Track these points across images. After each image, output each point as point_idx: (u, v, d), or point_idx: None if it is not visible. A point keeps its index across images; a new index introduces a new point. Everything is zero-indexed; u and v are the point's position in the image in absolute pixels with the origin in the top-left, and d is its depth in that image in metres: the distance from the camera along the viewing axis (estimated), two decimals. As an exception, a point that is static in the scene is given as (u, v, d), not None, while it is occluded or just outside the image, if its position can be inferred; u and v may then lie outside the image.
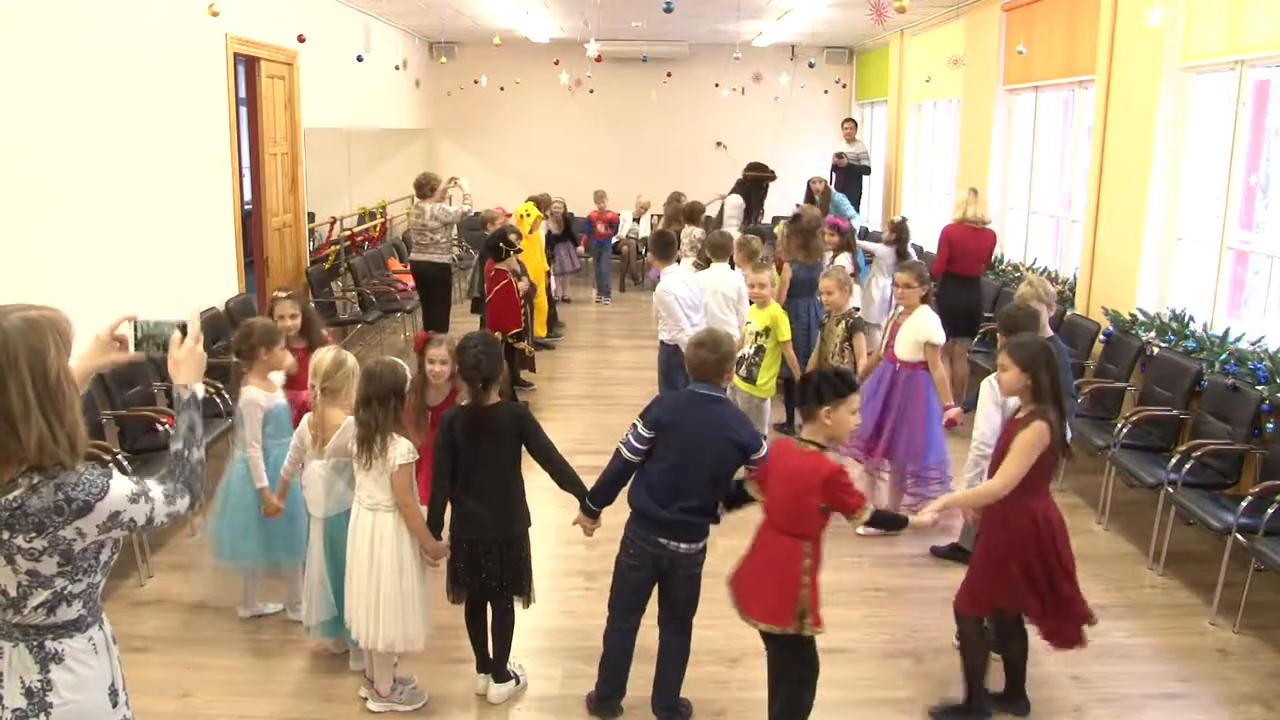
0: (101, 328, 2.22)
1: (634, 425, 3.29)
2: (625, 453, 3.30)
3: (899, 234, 7.33)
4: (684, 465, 3.20)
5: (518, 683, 3.69)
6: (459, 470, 3.43)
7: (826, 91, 13.62)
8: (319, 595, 3.65)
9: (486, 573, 3.44)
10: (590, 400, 7.49)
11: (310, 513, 3.69)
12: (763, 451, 3.25)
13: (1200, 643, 4.11)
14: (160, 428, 4.98)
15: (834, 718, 3.56)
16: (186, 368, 2.18)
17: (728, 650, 3.89)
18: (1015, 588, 3.31)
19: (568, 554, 4.71)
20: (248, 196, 7.90)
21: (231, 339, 4.08)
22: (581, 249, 11.50)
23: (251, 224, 7.80)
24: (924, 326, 4.88)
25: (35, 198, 4.70)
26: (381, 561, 3.36)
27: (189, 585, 4.42)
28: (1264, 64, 5.28)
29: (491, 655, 3.62)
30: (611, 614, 3.45)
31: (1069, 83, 7.56)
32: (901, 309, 5.07)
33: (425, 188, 8.05)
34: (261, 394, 3.90)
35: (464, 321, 8.34)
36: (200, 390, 2.16)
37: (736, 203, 9.70)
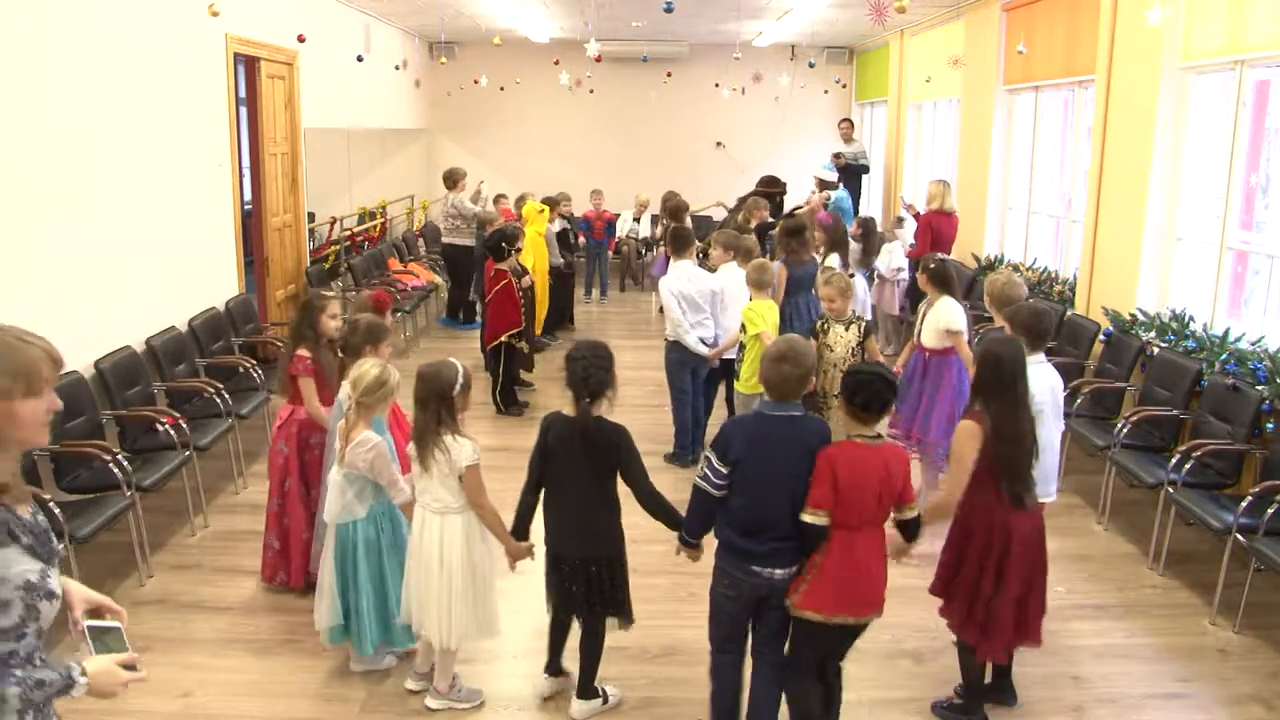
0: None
1: (708, 458, 3.08)
2: (708, 489, 3.07)
3: (866, 231, 7.94)
4: (764, 500, 3.02)
5: (605, 701, 3.58)
6: (549, 480, 3.37)
7: (826, 91, 13.61)
8: (328, 601, 3.64)
9: (572, 594, 3.39)
10: (590, 400, 7.46)
11: (324, 519, 3.69)
12: None
13: (1200, 643, 4.11)
14: (160, 428, 4.98)
15: (834, 718, 3.56)
16: (107, 679, 1.86)
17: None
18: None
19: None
20: (248, 196, 7.90)
21: (341, 334, 4.16)
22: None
23: (251, 224, 7.80)
24: (944, 315, 5.06)
25: (35, 198, 4.69)
26: (453, 563, 3.35)
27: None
28: (1264, 64, 5.28)
29: (579, 671, 3.55)
30: (712, 648, 3.27)
31: (1069, 83, 7.56)
32: (928, 299, 5.25)
33: (449, 180, 9.55)
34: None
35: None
36: (81, 692, 1.83)
37: None
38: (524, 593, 4.05)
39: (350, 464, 3.51)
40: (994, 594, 3.33)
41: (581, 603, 3.41)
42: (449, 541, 3.37)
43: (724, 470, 3.03)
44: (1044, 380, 3.78)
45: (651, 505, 3.33)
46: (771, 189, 10.40)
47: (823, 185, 9.99)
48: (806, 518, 2.99)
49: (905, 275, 8.28)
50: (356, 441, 3.47)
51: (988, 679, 3.61)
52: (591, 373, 3.23)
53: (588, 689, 3.55)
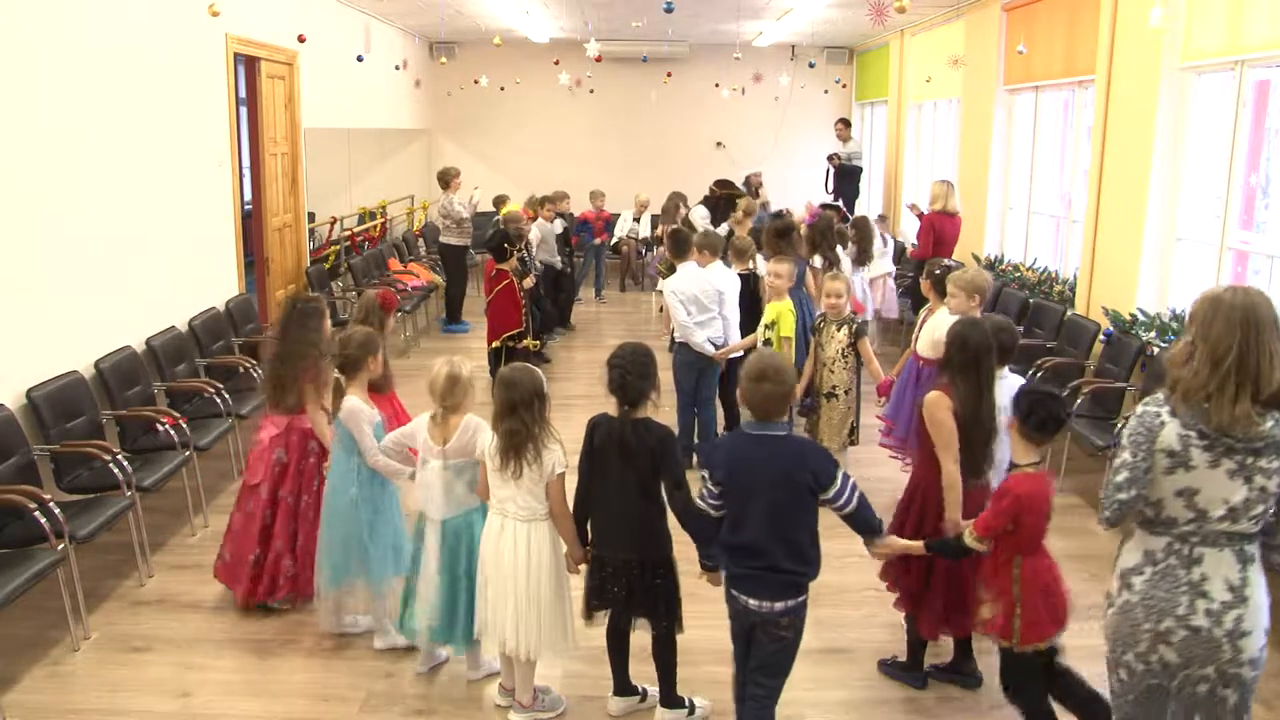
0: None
1: (704, 478, 3.01)
2: (707, 510, 3.03)
3: (860, 231, 7.89)
4: (741, 523, 2.91)
5: (691, 712, 3.47)
6: (594, 481, 3.29)
7: (826, 91, 13.62)
8: (430, 600, 3.54)
9: (613, 595, 3.29)
10: (590, 400, 7.46)
11: (427, 515, 3.56)
12: (834, 489, 2.87)
13: (1200, 643, 4.09)
14: (160, 427, 4.98)
15: (834, 718, 3.56)
16: None
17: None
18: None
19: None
20: (248, 196, 7.90)
21: (334, 351, 3.92)
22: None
23: (251, 224, 7.80)
24: (940, 326, 4.89)
25: (36, 197, 4.69)
26: (541, 573, 3.28)
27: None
28: (1264, 64, 5.28)
29: (657, 680, 3.46)
30: (735, 666, 3.19)
31: (1069, 83, 7.56)
32: (928, 306, 5.16)
33: (441, 180, 9.67)
34: (364, 404, 3.80)
35: (479, 299, 8.70)
36: None
37: (703, 214, 10.01)
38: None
39: (458, 451, 3.44)
40: (929, 564, 3.46)
41: (621, 604, 3.32)
42: (537, 549, 3.28)
43: (716, 490, 2.98)
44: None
45: (680, 514, 3.18)
46: (729, 191, 10.44)
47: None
48: (969, 541, 3.03)
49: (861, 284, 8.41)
50: (462, 427, 3.43)
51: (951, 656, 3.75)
52: (628, 380, 3.14)
53: (670, 697, 3.45)
